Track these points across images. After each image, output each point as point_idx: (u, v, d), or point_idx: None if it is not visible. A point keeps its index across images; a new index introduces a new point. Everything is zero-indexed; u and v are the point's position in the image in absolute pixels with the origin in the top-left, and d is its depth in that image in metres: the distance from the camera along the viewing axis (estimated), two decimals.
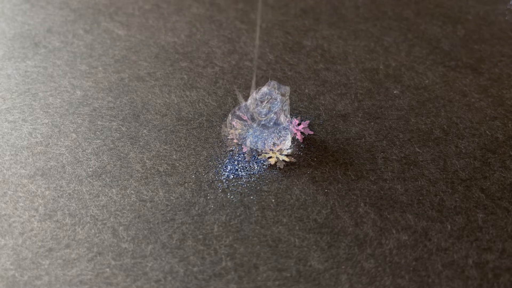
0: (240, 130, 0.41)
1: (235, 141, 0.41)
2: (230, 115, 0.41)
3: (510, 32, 0.52)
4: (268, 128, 0.41)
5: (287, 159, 0.41)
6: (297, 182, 0.40)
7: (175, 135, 0.43)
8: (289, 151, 0.41)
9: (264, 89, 0.40)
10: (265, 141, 0.41)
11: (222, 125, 0.42)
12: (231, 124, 0.41)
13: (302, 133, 0.43)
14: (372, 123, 0.44)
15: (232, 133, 0.41)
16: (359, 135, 0.43)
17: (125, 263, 0.35)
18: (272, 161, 0.41)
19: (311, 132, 0.43)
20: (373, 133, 0.43)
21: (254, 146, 0.41)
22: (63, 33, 0.51)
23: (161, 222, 0.37)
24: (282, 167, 0.40)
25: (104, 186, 0.39)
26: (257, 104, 0.40)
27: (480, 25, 0.53)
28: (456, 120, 0.44)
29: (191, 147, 0.42)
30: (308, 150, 0.42)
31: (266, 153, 0.41)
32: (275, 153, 0.41)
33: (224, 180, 0.40)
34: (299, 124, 0.43)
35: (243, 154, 0.41)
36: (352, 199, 0.39)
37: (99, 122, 0.44)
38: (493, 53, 0.50)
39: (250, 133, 0.41)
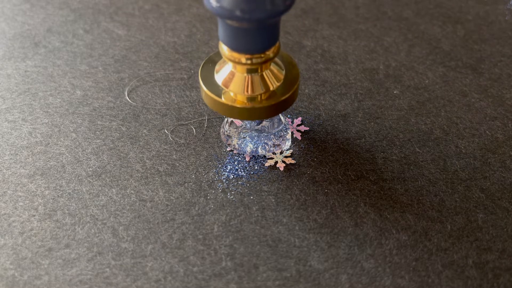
0: (237, 140, 0.41)
1: (235, 152, 0.41)
2: (222, 127, 0.41)
3: (510, 32, 0.52)
4: (266, 131, 0.41)
5: (287, 161, 0.41)
6: (297, 182, 0.40)
7: (175, 135, 0.43)
8: (290, 151, 0.41)
9: None
10: (266, 144, 0.41)
11: (221, 126, 0.42)
12: (225, 135, 0.41)
13: (298, 130, 0.43)
14: (372, 123, 0.44)
15: (230, 144, 0.41)
16: (359, 135, 0.43)
17: (125, 263, 0.35)
18: (272, 162, 0.41)
19: (307, 128, 0.43)
20: (373, 133, 0.43)
21: (255, 153, 0.41)
22: (63, 33, 0.51)
23: (161, 222, 0.37)
24: (282, 168, 0.40)
25: (104, 186, 0.39)
26: None
27: (480, 25, 0.53)
28: (456, 120, 0.44)
29: (191, 147, 0.42)
30: (308, 150, 0.42)
31: (270, 158, 0.41)
32: (279, 157, 0.41)
33: (224, 180, 0.40)
34: (299, 125, 0.43)
35: (243, 154, 0.41)
36: (352, 199, 0.39)
37: (99, 122, 0.44)
38: (493, 53, 0.50)
39: (248, 140, 0.41)
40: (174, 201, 0.39)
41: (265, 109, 0.37)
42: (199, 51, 0.50)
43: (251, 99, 0.37)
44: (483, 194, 0.39)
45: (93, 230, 0.37)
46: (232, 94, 0.37)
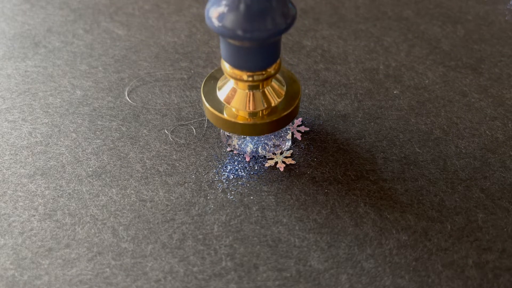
0: (237, 140, 0.41)
1: (235, 152, 0.41)
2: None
3: (510, 32, 0.52)
4: None
5: (287, 161, 0.41)
6: (297, 182, 0.40)
7: (175, 135, 0.43)
8: (290, 151, 0.41)
9: None
10: (266, 145, 0.41)
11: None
12: (225, 135, 0.41)
13: (298, 131, 0.43)
14: (372, 123, 0.44)
15: (230, 144, 0.41)
16: (359, 135, 0.43)
17: (125, 263, 0.35)
18: (272, 162, 0.41)
19: (307, 129, 0.43)
20: (373, 133, 0.43)
21: (255, 153, 0.41)
22: (63, 33, 0.51)
23: (161, 222, 0.37)
24: (282, 169, 0.40)
25: (104, 186, 0.39)
26: None
27: (480, 25, 0.53)
28: (456, 120, 0.44)
29: (191, 147, 0.42)
30: (308, 150, 0.42)
31: (270, 158, 0.41)
32: (279, 157, 0.41)
33: (224, 180, 0.40)
34: (299, 125, 0.43)
35: (243, 155, 0.41)
36: (352, 199, 0.39)
37: (99, 122, 0.44)
38: (493, 53, 0.50)
39: (248, 141, 0.41)
40: (174, 201, 0.39)
41: (266, 124, 0.37)
42: (199, 51, 0.50)
43: (252, 114, 0.37)
44: (483, 194, 0.39)
45: (93, 230, 0.37)
46: (234, 110, 0.38)
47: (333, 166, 0.41)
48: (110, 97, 0.45)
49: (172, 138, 0.42)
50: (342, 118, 0.44)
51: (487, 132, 0.43)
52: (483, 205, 0.38)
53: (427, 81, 0.47)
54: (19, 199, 0.39)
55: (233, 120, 0.37)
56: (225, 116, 0.38)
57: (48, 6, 0.54)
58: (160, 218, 0.38)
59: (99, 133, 0.43)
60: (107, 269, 0.35)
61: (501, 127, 0.43)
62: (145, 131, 0.43)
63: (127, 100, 0.45)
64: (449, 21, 0.53)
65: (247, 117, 0.38)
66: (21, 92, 0.46)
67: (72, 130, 0.43)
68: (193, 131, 0.43)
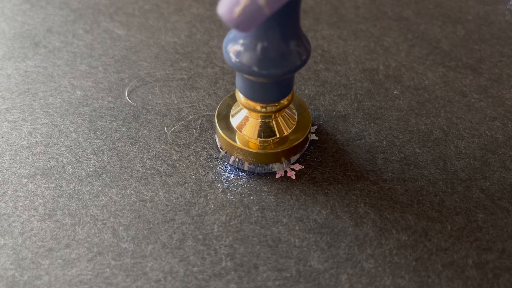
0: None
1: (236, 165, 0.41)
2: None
3: (510, 32, 0.52)
4: None
5: (296, 168, 0.41)
6: (297, 183, 0.40)
7: (175, 135, 0.43)
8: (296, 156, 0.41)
9: None
10: None
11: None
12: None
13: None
14: (372, 124, 0.44)
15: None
16: (359, 136, 0.43)
17: (125, 263, 0.35)
18: (282, 172, 0.40)
19: (316, 138, 0.43)
20: (373, 133, 0.43)
21: (259, 169, 0.41)
22: (63, 33, 0.51)
23: (161, 222, 0.37)
24: (294, 177, 0.40)
25: (104, 186, 0.39)
26: None
27: (480, 25, 0.53)
28: (456, 121, 0.44)
29: (191, 148, 0.42)
30: (308, 151, 0.42)
31: (278, 168, 0.41)
32: (287, 165, 0.41)
33: (224, 180, 0.40)
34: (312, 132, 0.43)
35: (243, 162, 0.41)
36: (352, 199, 0.39)
37: (99, 122, 0.44)
38: (493, 53, 0.50)
39: None
40: (174, 201, 0.39)
41: (277, 153, 0.39)
42: (199, 51, 0.50)
43: (263, 142, 0.39)
44: (483, 194, 0.39)
45: (93, 230, 0.37)
46: (246, 137, 0.39)
47: (333, 166, 0.41)
48: (110, 97, 0.45)
49: (172, 138, 0.42)
50: (342, 119, 0.44)
51: (487, 132, 0.43)
52: (483, 205, 0.38)
53: (427, 82, 0.47)
54: (19, 199, 0.39)
55: (245, 148, 0.38)
56: (238, 143, 0.39)
57: (48, 6, 0.54)
58: (160, 218, 0.38)
59: (99, 133, 0.43)
60: (107, 269, 0.35)
61: (501, 127, 0.43)
62: (145, 131, 0.43)
63: (127, 100, 0.45)
64: (449, 21, 0.53)
65: (258, 144, 0.39)
66: (21, 92, 0.46)
67: (72, 130, 0.43)
68: (193, 131, 0.43)
